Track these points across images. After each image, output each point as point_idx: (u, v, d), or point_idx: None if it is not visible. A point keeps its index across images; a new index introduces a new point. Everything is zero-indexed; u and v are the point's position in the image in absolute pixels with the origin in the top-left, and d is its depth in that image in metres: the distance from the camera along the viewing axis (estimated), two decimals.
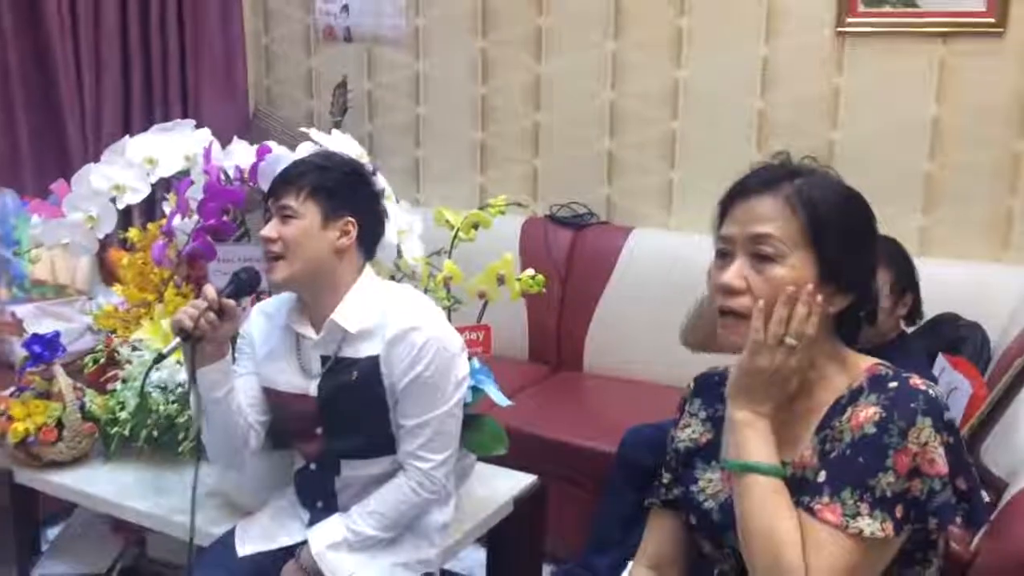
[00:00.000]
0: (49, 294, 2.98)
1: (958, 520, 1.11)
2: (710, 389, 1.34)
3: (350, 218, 1.66)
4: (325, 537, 1.67)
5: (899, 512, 1.09)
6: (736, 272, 1.17)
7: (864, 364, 1.20)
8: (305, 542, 1.69)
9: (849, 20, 2.81)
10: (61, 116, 3.24)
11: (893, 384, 1.14)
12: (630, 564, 1.69)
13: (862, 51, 2.83)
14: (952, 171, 2.78)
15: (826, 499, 1.11)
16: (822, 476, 1.13)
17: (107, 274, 3.06)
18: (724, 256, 1.20)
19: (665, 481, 1.37)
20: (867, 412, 1.12)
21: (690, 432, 1.34)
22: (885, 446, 1.10)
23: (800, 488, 1.15)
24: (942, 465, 1.09)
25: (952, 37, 2.72)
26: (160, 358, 1.62)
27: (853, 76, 2.85)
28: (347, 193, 1.67)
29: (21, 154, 3.20)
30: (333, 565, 1.65)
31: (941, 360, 2.23)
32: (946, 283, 2.57)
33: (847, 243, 1.17)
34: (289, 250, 1.62)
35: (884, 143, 2.82)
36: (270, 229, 1.65)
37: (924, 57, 2.75)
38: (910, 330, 2.21)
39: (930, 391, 1.12)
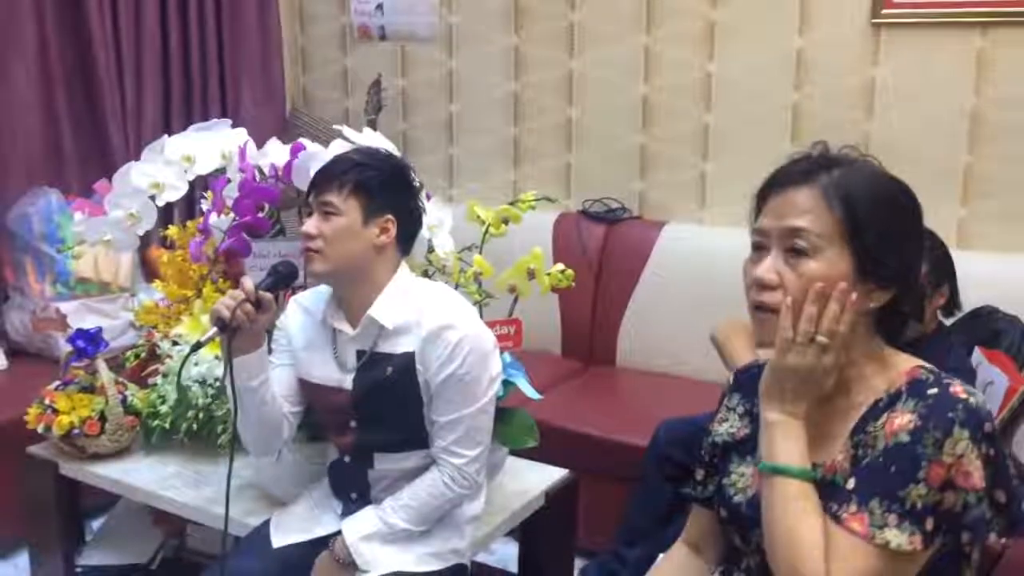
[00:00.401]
0: (92, 291, 3.04)
1: (992, 536, 1.08)
2: (750, 383, 1.30)
3: (390, 216, 1.67)
4: (359, 528, 1.70)
5: (930, 525, 1.05)
6: (769, 266, 1.15)
7: (905, 366, 1.17)
8: (339, 533, 1.72)
9: (884, 11, 2.78)
10: (103, 117, 3.31)
11: (932, 391, 1.10)
12: (660, 556, 1.70)
13: (898, 42, 2.80)
14: (991, 163, 2.74)
15: (853, 507, 1.08)
16: (851, 483, 1.10)
17: (149, 271, 3.12)
18: (759, 249, 1.18)
19: (699, 478, 1.37)
20: (903, 419, 1.09)
21: (727, 426, 1.33)
22: (919, 456, 1.06)
23: (831, 493, 1.13)
24: (978, 479, 1.06)
25: (990, 27, 2.68)
26: (198, 346, 1.65)
27: (889, 67, 2.82)
28: (388, 191, 1.68)
29: (65, 155, 3.28)
30: (366, 556, 1.67)
31: (977, 354, 2.20)
32: (985, 276, 2.53)
33: (887, 237, 1.13)
34: (329, 246, 1.63)
35: (921, 135, 2.78)
36: (311, 225, 1.66)
37: (961, 48, 2.72)
38: (948, 321, 2.19)
39: (971, 400, 1.08)
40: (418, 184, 1.77)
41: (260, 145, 2.10)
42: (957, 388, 1.10)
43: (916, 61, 2.78)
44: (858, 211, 1.12)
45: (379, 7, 3.70)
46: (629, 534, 2.40)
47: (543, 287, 1.95)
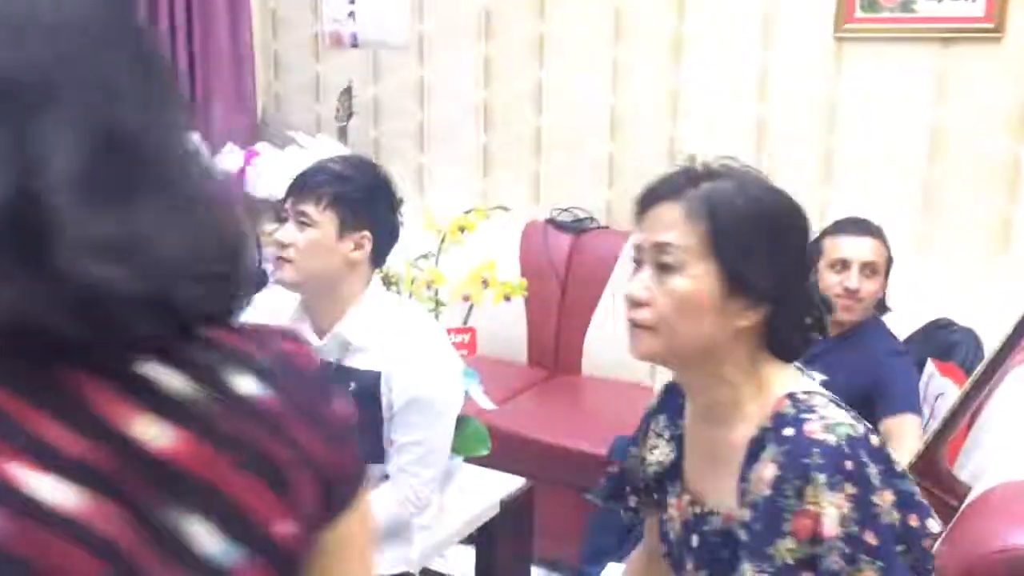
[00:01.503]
0: None
1: None
2: (673, 403, 1.27)
3: (366, 232, 1.65)
4: None
5: None
6: (639, 283, 1.12)
7: (777, 392, 1.11)
8: None
9: (847, 26, 2.81)
10: None
11: (788, 432, 1.05)
12: (621, 566, 1.70)
13: (860, 57, 2.83)
14: (951, 176, 2.77)
15: None
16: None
17: None
18: (637, 265, 1.15)
19: (632, 505, 1.34)
20: (767, 470, 1.04)
21: (658, 454, 1.27)
22: (781, 509, 1.01)
23: (728, 542, 1.10)
24: (829, 527, 0.99)
25: (951, 42, 2.71)
26: None
27: (851, 82, 2.85)
28: (367, 206, 1.66)
29: None
30: None
31: (930, 366, 2.23)
32: (944, 287, 2.56)
33: (755, 252, 1.09)
34: (300, 257, 1.62)
35: (883, 148, 2.81)
36: (285, 233, 1.63)
37: (923, 62, 2.75)
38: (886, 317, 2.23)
39: (829, 438, 1.02)
40: (399, 198, 1.74)
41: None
42: (814, 426, 1.04)
43: (878, 75, 2.81)
44: (721, 225, 1.08)
45: (351, 15, 3.71)
46: (593, 553, 2.40)
47: (495, 297, 1.96)
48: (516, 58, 3.39)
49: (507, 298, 1.97)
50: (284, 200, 1.68)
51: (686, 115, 3.12)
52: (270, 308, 1.77)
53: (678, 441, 1.25)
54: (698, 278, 1.09)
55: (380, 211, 1.69)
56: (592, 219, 3.28)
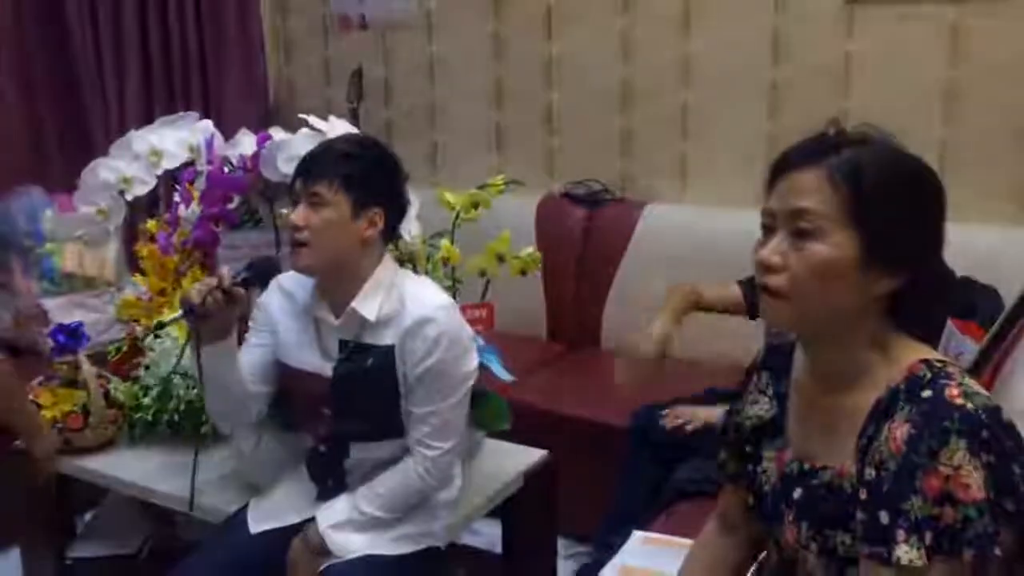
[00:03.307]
0: (78, 286, 3.06)
1: (997, 552, 1.00)
2: (779, 361, 1.27)
3: (378, 209, 1.67)
4: (331, 517, 1.72)
5: (928, 539, 1.01)
6: (774, 248, 1.11)
7: (908, 358, 1.11)
8: (313, 519, 1.74)
9: None
10: (85, 115, 3.33)
11: (927, 393, 1.05)
12: (636, 532, 1.71)
13: (872, 17, 2.80)
14: (968, 135, 2.74)
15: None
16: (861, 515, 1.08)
17: (137, 266, 3.14)
18: (767, 231, 1.14)
19: (722, 458, 1.35)
20: (901, 431, 1.05)
21: (758, 409, 1.28)
22: (914, 466, 1.02)
23: (839, 498, 1.12)
24: (977, 490, 1.00)
25: (963, 1, 2.67)
26: (160, 325, 1.68)
27: (864, 43, 2.82)
28: (377, 183, 1.68)
29: (48, 154, 3.30)
30: (339, 543, 1.70)
31: (949, 325, 2.21)
32: (964, 248, 2.51)
33: (897, 219, 1.08)
34: (316, 239, 1.63)
35: (898, 109, 2.77)
36: (299, 215, 1.64)
37: (935, 21, 2.71)
38: None
39: (968, 405, 1.03)
40: (406, 173, 1.76)
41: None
42: (953, 391, 1.05)
43: (890, 36, 2.78)
44: (865, 191, 1.08)
45: None
46: (618, 521, 2.42)
47: (512, 270, 1.96)
48: (525, 33, 3.38)
49: (523, 272, 1.98)
50: (293, 183, 1.70)
51: (699, 83, 3.10)
52: (285, 291, 1.80)
53: (780, 399, 1.26)
54: (838, 245, 1.08)
55: (390, 187, 1.71)
56: (607, 191, 3.28)
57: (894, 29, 2.77)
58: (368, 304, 1.67)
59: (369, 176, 1.66)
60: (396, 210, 1.72)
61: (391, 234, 1.74)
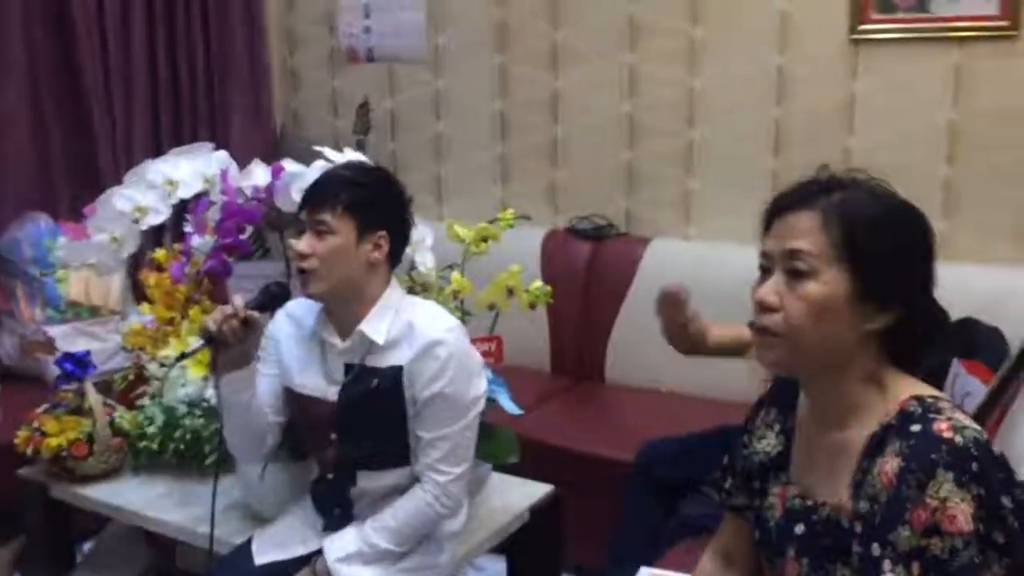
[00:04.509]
0: (83, 314, 3.06)
1: None
2: (785, 395, 1.30)
3: (383, 232, 1.69)
4: (340, 549, 1.71)
5: (915, 570, 1.04)
6: (770, 288, 1.16)
7: (902, 394, 1.15)
8: (320, 551, 1.73)
9: (862, 27, 2.82)
10: (94, 143, 3.34)
11: (915, 428, 1.09)
12: (644, 569, 1.70)
13: (877, 58, 2.83)
14: (971, 175, 2.76)
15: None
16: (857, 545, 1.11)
17: (141, 294, 3.14)
18: (764, 272, 1.19)
19: (726, 486, 1.37)
20: (892, 465, 1.08)
21: (765, 444, 1.31)
22: (904, 499, 1.05)
23: (835, 531, 1.14)
24: (963, 522, 1.03)
25: (967, 41, 2.71)
26: (182, 357, 1.68)
27: (868, 83, 2.85)
28: (381, 207, 1.70)
29: (55, 181, 3.31)
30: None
31: (956, 365, 2.21)
32: (967, 288, 2.54)
33: (887, 258, 1.13)
34: (324, 266, 1.64)
35: (901, 149, 2.81)
36: (305, 243, 1.66)
37: (939, 62, 2.75)
38: None
39: (956, 439, 1.06)
40: (409, 196, 1.78)
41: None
42: (942, 425, 1.08)
43: (894, 76, 2.82)
44: (856, 232, 1.13)
45: (367, 29, 3.75)
46: (621, 560, 2.40)
47: (522, 304, 1.97)
48: (531, 68, 3.41)
49: (532, 306, 1.98)
50: (299, 211, 1.72)
51: (704, 120, 3.13)
52: (292, 318, 1.81)
53: (787, 434, 1.29)
54: (830, 282, 1.13)
55: (394, 210, 1.73)
56: (612, 226, 3.29)
57: (898, 69, 2.81)
58: (376, 326, 1.68)
59: (373, 199, 1.69)
60: (401, 233, 1.74)
61: (397, 257, 1.76)
